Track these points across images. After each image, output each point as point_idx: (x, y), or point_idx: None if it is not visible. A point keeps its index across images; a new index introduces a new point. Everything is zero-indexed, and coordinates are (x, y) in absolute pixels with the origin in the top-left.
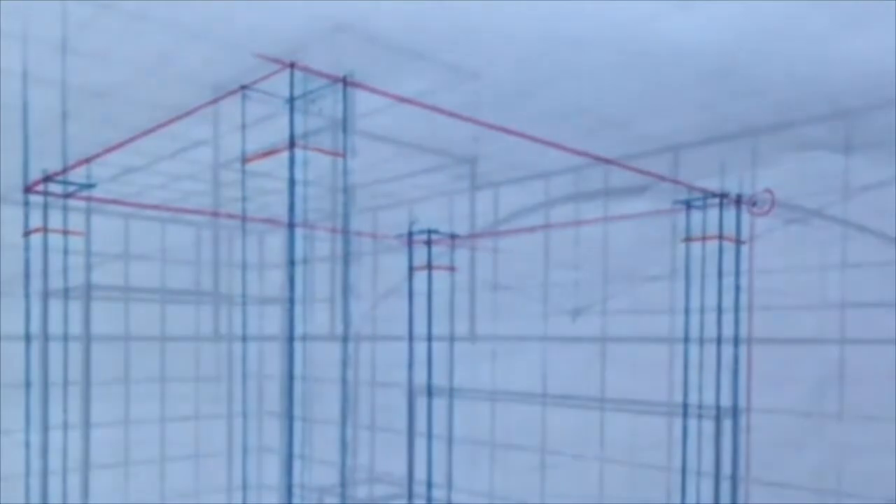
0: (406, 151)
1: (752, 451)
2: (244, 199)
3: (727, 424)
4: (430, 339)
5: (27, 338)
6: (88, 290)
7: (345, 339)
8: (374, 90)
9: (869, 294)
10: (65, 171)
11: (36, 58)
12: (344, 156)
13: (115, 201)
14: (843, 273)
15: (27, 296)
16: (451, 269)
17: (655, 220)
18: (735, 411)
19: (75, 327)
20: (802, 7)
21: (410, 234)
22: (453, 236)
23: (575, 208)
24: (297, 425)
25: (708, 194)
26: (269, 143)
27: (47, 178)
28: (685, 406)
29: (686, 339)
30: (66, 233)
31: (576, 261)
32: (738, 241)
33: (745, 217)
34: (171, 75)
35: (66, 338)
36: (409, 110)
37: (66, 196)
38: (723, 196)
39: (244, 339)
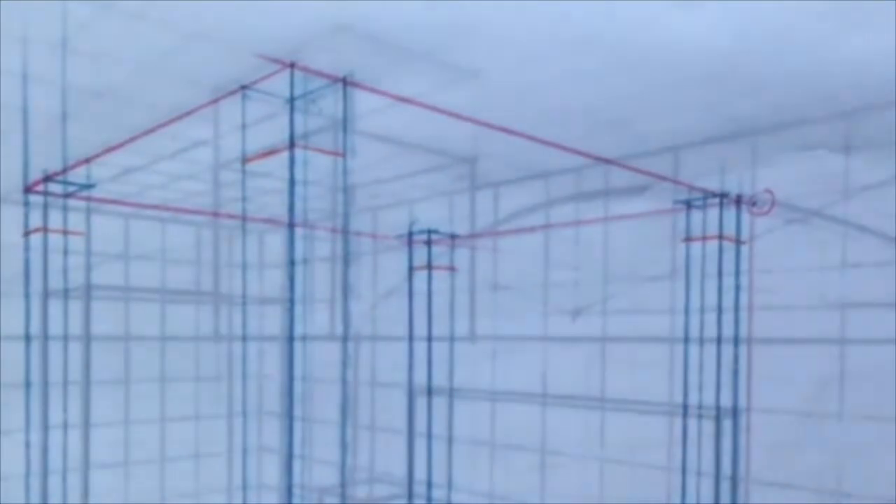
0: (406, 151)
1: (752, 451)
2: (244, 199)
3: (727, 424)
4: (430, 339)
5: (27, 338)
6: (88, 290)
7: (345, 339)
8: (374, 90)
9: (869, 294)
10: (65, 171)
11: (36, 58)
12: (344, 156)
13: (115, 201)
14: (843, 273)
15: (27, 296)
16: (451, 269)
17: (655, 220)
18: (735, 411)
19: (75, 327)
20: (802, 7)
21: (410, 234)
22: (453, 236)
23: (575, 208)
24: (297, 425)
25: (708, 194)
26: (269, 143)
27: (47, 178)
28: (685, 406)
29: (686, 339)
30: (66, 233)
31: (576, 261)
32: (738, 241)
33: (745, 217)
34: (171, 75)
35: (66, 338)
36: (408, 110)
37: (66, 196)
38: (723, 196)
39: (244, 339)
